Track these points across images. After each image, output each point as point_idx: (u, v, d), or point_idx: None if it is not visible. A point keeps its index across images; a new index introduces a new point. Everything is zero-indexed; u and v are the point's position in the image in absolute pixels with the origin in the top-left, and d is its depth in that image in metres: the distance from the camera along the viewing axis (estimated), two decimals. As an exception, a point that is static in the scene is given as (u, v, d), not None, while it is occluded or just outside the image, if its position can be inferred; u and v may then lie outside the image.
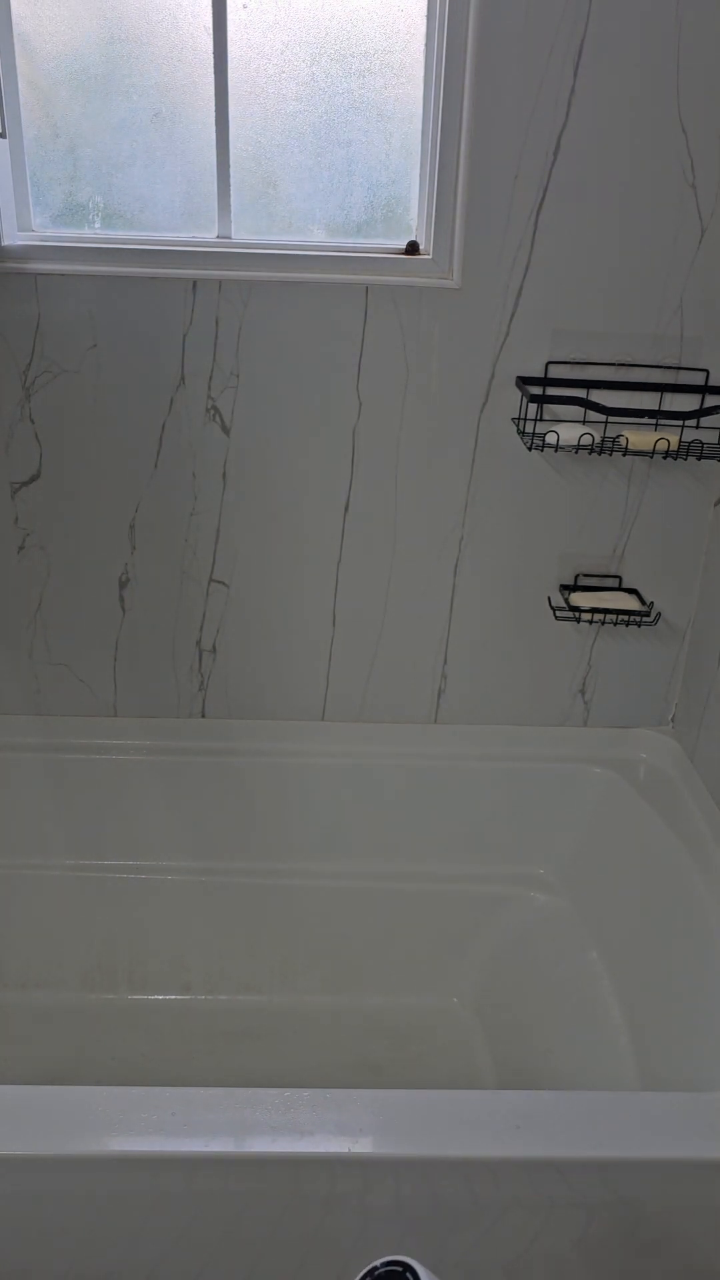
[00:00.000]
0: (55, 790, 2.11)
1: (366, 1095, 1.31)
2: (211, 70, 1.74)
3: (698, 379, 1.87)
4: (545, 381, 1.85)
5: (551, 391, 1.84)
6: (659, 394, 1.85)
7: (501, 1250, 1.32)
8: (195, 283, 1.80)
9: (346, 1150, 1.23)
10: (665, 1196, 1.29)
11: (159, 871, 2.13)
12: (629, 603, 2.00)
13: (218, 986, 2.11)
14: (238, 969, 2.12)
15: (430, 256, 1.83)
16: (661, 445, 1.79)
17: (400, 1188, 1.26)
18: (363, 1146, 1.24)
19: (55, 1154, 1.22)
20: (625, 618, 1.99)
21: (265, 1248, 1.31)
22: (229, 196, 1.82)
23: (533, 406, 1.84)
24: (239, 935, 2.12)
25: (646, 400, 1.86)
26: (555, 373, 1.86)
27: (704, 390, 1.85)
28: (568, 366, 1.86)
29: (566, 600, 2.00)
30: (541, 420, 1.85)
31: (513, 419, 1.90)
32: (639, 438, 1.79)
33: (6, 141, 1.77)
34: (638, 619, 1.99)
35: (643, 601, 2.03)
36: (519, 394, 1.87)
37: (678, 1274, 1.37)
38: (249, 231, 1.85)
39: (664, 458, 1.83)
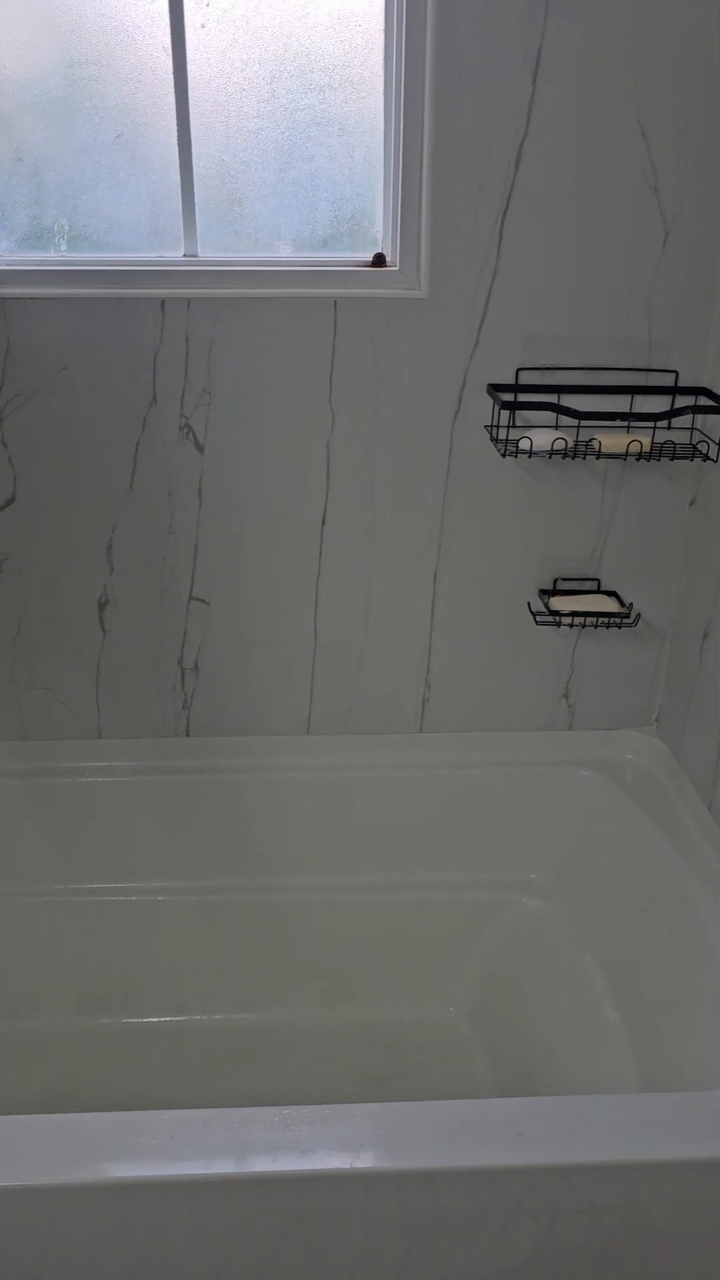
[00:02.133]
0: (41, 815, 2.10)
1: (366, 1109, 1.30)
2: (172, 90, 1.75)
3: (667, 380, 1.88)
4: (516, 388, 1.86)
5: (523, 398, 1.85)
6: (629, 397, 1.87)
7: (507, 1259, 1.32)
8: (164, 302, 1.80)
9: (348, 1166, 1.23)
10: (669, 1197, 1.29)
11: (149, 893, 2.11)
12: (608, 605, 2.01)
13: (213, 1006, 2.10)
14: (232, 987, 2.11)
15: (397, 268, 1.84)
16: (634, 447, 1.80)
17: (403, 1201, 1.26)
18: (364, 1161, 1.23)
19: (54, 1183, 1.21)
20: (605, 620, 2.00)
21: (270, 1267, 1.30)
22: (194, 215, 1.82)
23: (505, 413, 1.85)
24: (232, 953, 2.11)
25: (617, 403, 1.87)
26: (526, 379, 1.87)
27: (674, 391, 1.87)
28: (538, 372, 1.87)
29: (546, 605, 2.01)
30: (514, 427, 1.86)
31: (485, 426, 1.90)
32: (611, 441, 1.80)
33: (-31, 167, 1.77)
34: (618, 621, 2.00)
35: (622, 603, 2.03)
36: (491, 401, 1.88)
37: (684, 1275, 1.36)
38: (216, 249, 1.85)
39: (637, 459, 1.84)
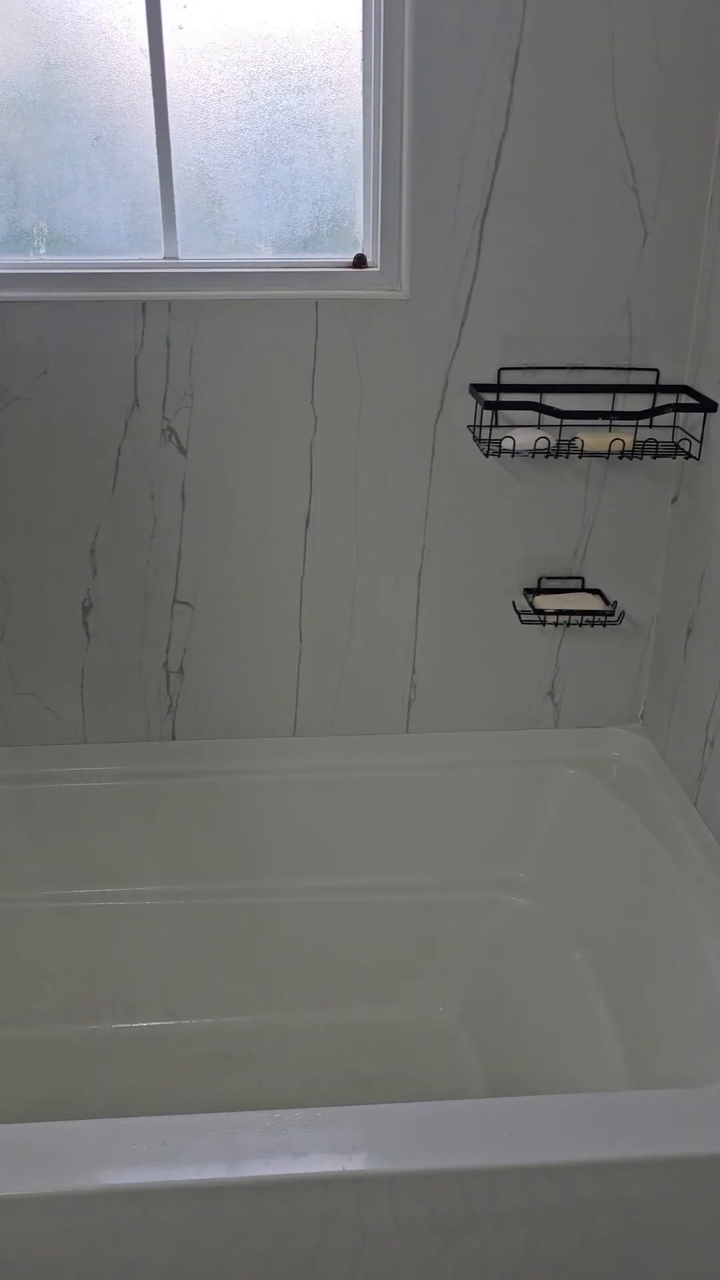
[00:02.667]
0: (28, 821, 2.09)
1: (357, 1112, 1.31)
2: (150, 92, 1.74)
3: (648, 379, 1.89)
4: (499, 388, 1.86)
5: (505, 397, 1.86)
6: (611, 395, 1.87)
7: (501, 1260, 1.32)
8: (144, 304, 1.79)
9: (340, 1169, 1.23)
10: (661, 1193, 1.29)
11: (136, 897, 2.11)
12: (592, 603, 2.01)
13: (202, 1010, 2.10)
14: (221, 991, 2.10)
15: (378, 269, 1.83)
16: (616, 446, 1.80)
17: (396, 1203, 1.26)
18: (356, 1164, 1.23)
19: (45, 1192, 1.21)
20: (589, 618, 2.00)
21: (264, 1271, 1.30)
22: (174, 217, 1.82)
23: (487, 413, 1.85)
24: (221, 957, 2.10)
25: (599, 402, 1.88)
26: (508, 378, 1.87)
27: (655, 390, 1.87)
28: (520, 372, 1.87)
29: (530, 603, 2.01)
30: (497, 426, 1.86)
31: (468, 426, 1.90)
32: (594, 439, 1.81)
33: (-54, 171, 1.76)
34: (602, 619, 2.01)
35: (606, 601, 2.04)
36: (473, 401, 1.88)
37: (679, 1271, 1.37)
38: (196, 251, 1.85)
39: (619, 458, 1.85)
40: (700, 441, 1.83)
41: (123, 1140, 1.25)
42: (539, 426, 1.84)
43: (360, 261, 1.85)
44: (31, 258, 1.83)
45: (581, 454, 1.82)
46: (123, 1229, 1.25)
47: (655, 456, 1.84)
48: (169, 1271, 1.28)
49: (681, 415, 1.87)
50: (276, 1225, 1.26)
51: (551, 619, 2.00)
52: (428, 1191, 1.25)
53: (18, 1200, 1.21)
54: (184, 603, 2.03)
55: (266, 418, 1.89)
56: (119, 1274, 1.28)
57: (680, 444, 1.87)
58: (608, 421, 1.84)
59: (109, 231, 1.83)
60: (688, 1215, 1.31)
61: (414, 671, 2.12)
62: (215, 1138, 1.26)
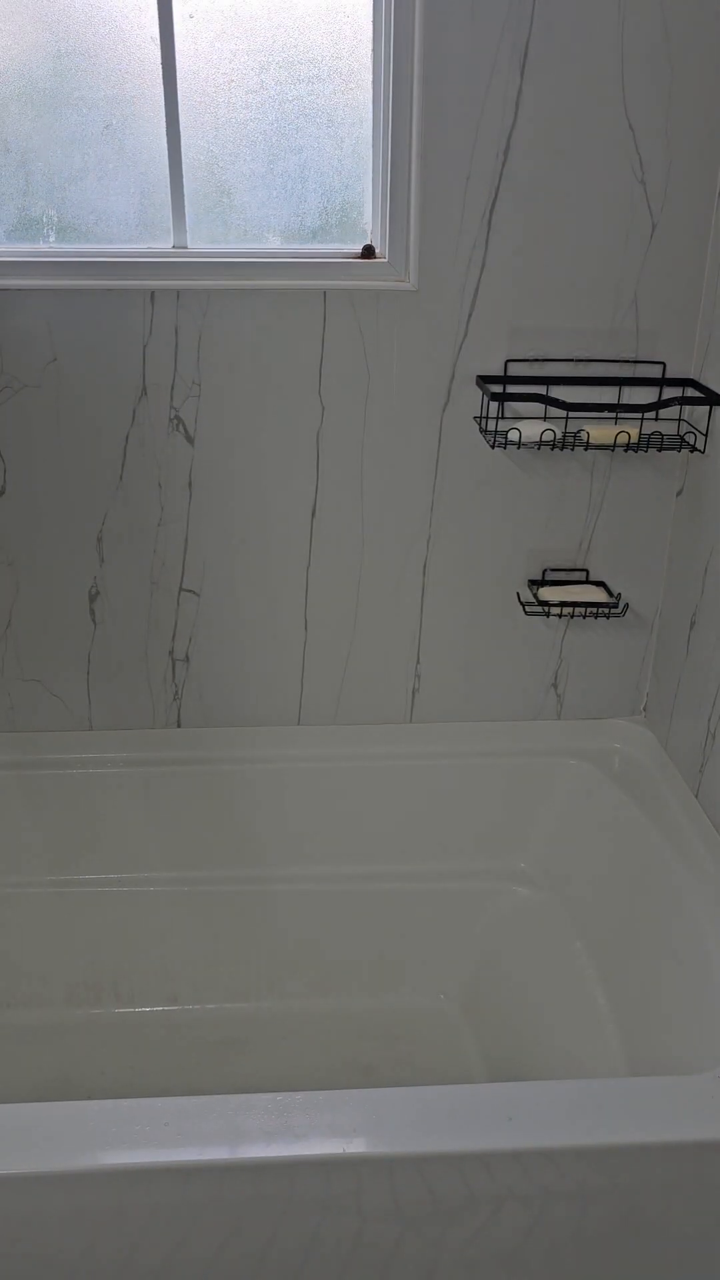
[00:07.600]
0: (33, 807, 2.10)
1: (359, 1095, 1.32)
2: (160, 81, 1.74)
3: (655, 371, 1.89)
4: (505, 380, 1.87)
5: (512, 389, 1.86)
6: (618, 388, 1.87)
7: (499, 1243, 1.33)
8: (153, 293, 1.80)
9: (341, 1151, 1.24)
10: (657, 1180, 1.31)
11: (141, 883, 2.12)
12: (597, 595, 2.02)
13: (205, 995, 2.11)
14: (225, 977, 2.12)
15: (386, 259, 1.84)
16: (622, 439, 1.81)
17: (396, 1185, 1.27)
18: (357, 1146, 1.25)
19: (49, 1170, 1.22)
20: (594, 610, 2.01)
21: (264, 1253, 1.31)
22: (183, 206, 1.82)
23: (494, 405, 1.86)
24: (224, 943, 2.12)
25: (606, 395, 1.88)
26: (515, 370, 1.88)
27: (661, 383, 1.88)
28: (527, 364, 1.88)
29: (535, 595, 2.02)
30: (503, 418, 1.86)
31: (474, 418, 1.91)
32: (600, 432, 1.81)
33: (-43, 158, 1.76)
34: (606, 611, 2.01)
35: (610, 593, 2.05)
36: (480, 393, 1.89)
37: (675, 1256, 1.38)
38: (205, 240, 1.85)
39: (625, 451, 1.85)
40: (706, 435, 1.83)
41: (125, 1121, 1.27)
42: (545, 419, 1.85)
43: (368, 252, 1.85)
44: (41, 246, 1.84)
45: (587, 447, 1.82)
46: (124, 1209, 1.26)
47: (660, 449, 1.84)
48: (170, 1251, 1.30)
49: (687, 408, 1.87)
50: (277, 1206, 1.27)
51: (555, 611, 2.01)
52: (427, 1175, 1.27)
53: (20, 1179, 1.22)
54: (190, 591, 2.04)
55: (274, 407, 1.90)
56: (120, 1254, 1.29)
57: (686, 437, 1.87)
58: (614, 414, 1.85)
59: (118, 220, 1.83)
60: (685, 1200, 1.33)
61: (418, 662, 2.13)
62: (217, 1119, 1.27)
